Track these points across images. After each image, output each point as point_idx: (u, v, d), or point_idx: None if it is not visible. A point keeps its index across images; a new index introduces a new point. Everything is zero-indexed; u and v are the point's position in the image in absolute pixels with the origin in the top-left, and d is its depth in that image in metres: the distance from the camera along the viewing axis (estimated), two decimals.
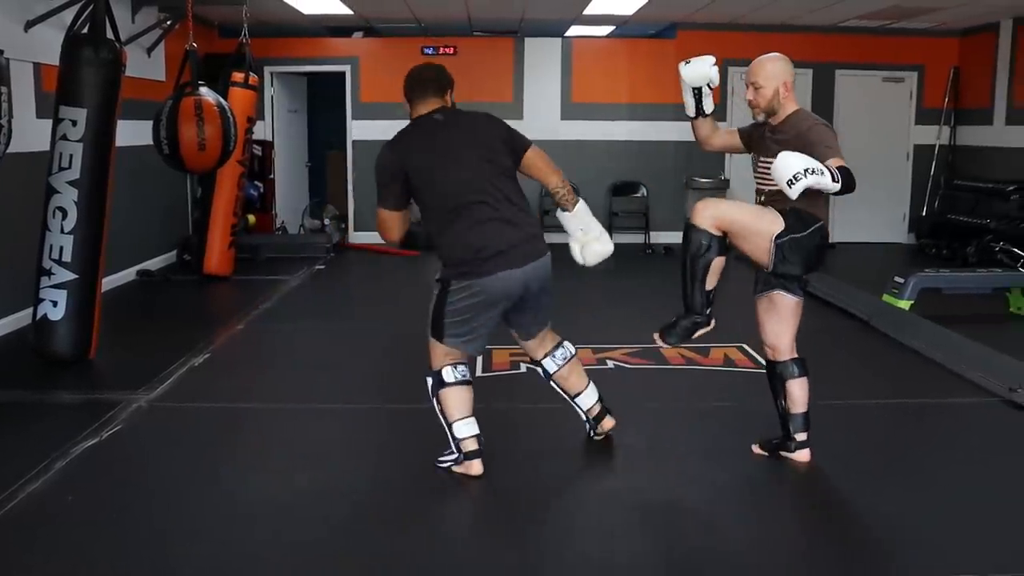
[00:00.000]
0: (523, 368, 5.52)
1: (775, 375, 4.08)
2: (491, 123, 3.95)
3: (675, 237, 10.93)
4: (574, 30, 10.93)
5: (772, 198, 3.81)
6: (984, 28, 10.50)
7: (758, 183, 3.93)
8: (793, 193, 3.34)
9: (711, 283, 3.84)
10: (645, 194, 11.21)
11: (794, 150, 3.56)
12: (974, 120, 10.82)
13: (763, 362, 5.57)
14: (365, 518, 3.54)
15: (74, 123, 5.30)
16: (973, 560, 3.23)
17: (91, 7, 5.39)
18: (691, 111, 4.07)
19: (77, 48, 5.30)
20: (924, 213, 11.16)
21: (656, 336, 3.94)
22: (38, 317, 5.45)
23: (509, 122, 4.07)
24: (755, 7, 9.44)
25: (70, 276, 5.38)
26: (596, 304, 8.00)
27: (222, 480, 3.93)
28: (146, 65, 8.46)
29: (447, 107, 3.91)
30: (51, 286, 5.39)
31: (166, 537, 3.40)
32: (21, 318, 6.10)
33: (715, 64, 3.88)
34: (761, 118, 3.86)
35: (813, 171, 3.31)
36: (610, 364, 5.68)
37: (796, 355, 4.04)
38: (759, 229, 3.74)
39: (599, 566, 3.20)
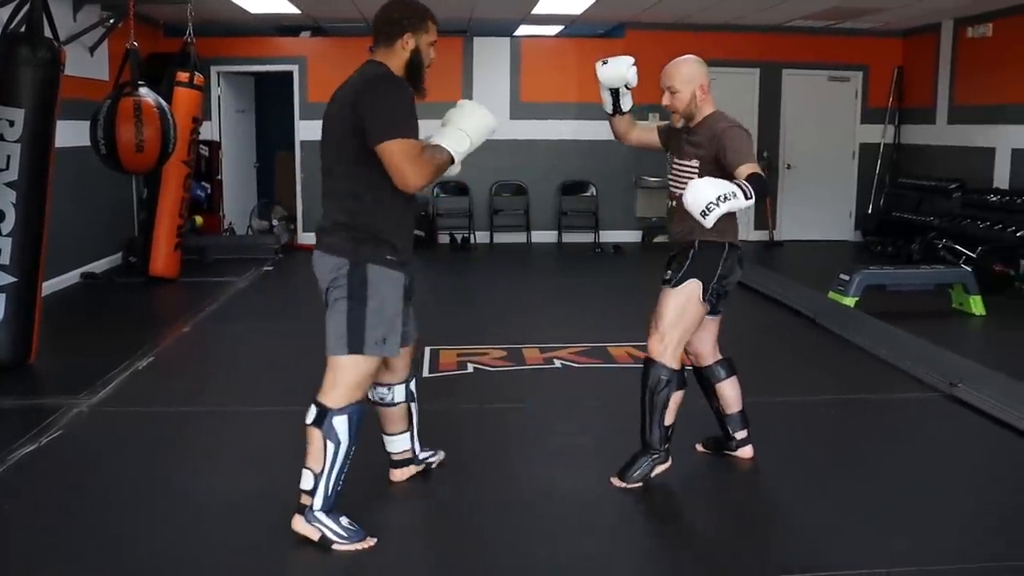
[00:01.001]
0: (470, 368, 5.52)
1: (703, 379, 4.10)
2: (355, 92, 3.21)
3: (624, 236, 11.12)
4: (523, 29, 10.95)
5: (682, 205, 3.69)
6: (926, 29, 10.66)
7: (671, 186, 3.83)
8: (708, 223, 3.29)
9: (670, 418, 3.77)
10: (595, 193, 11.24)
11: (707, 152, 3.62)
12: (917, 119, 11.00)
13: None
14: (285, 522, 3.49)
15: (11, 123, 5.19)
16: (912, 551, 3.27)
17: (27, 5, 5.29)
18: (608, 108, 4.00)
19: (14, 47, 5.19)
20: (870, 211, 11.30)
21: (615, 480, 3.78)
22: None
23: None
24: (702, 7, 9.51)
25: (9, 279, 5.27)
26: (545, 303, 8.03)
27: (167, 483, 3.86)
28: (89, 64, 8.33)
29: (372, 59, 3.35)
30: None
31: (109, 541, 3.34)
32: None
33: (633, 65, 3.79)
34: (680, 123, 3.79)
35: (725, 197, 3.24)
36: (557, 363, 5.68)
37: (720, 357, 4.06)
38: (695, 314, 3.74)
39: (544, 567, 3.20)
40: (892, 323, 6.29)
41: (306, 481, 3.23)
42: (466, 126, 3.29)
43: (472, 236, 11.05)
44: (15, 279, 5.29)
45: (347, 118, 3.18)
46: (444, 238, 11.07)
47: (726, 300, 3.92)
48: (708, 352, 4.03)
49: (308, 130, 10.71)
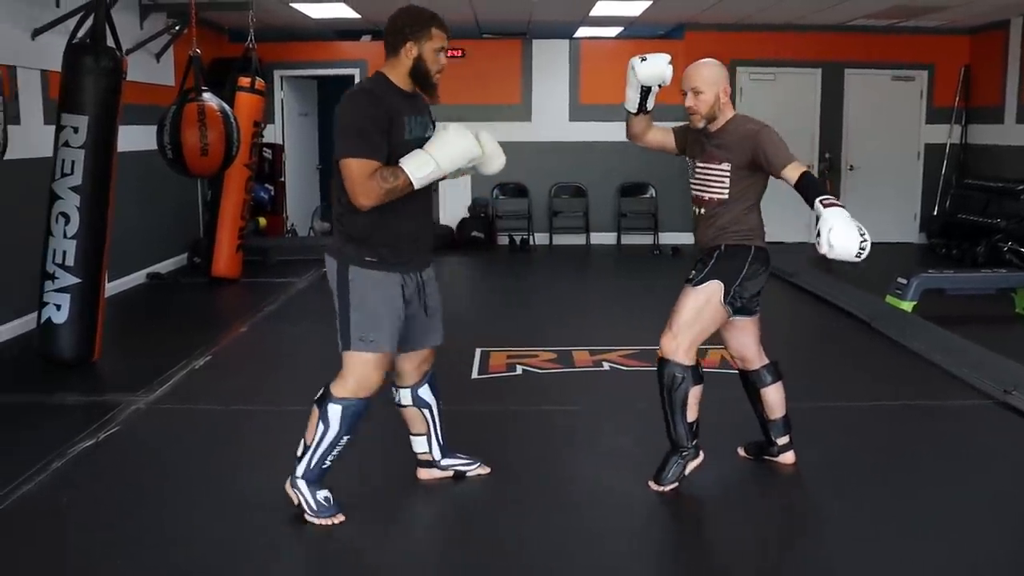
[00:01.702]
0: (519, 370, 5.57)
1: (748, 384, 4.08)
2: (339, 107, 3.39)
3: (684, 238, 11.03)
4: (582, 31, 10.96)
5: (711, 211, 3.75)
6: (994, 26, 10.44)
7: (694, 191, 3.82)
8: (862, 259, 3.21)
9: (692, 414, 3.77)
10: (654, 195, 11.21)
11: (739, 155, 3.60)
12: (985, 118, 10.77)
13: None
14: (358, 519, 3.56)
15: (75, 130, 5.37)
16: (962, 560, 3.25)
17: (92, 16, 5.46)
18: (633, 107, 3.90)
19: (78, 56, 5.38)
20: (935, 213, 11.11)
21: (651, 484, 3.80)
22: (42, 321, 5.53)
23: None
24: (762, 7, 9.43)
25: (73, 280, 5.45)
26: (600, 305, 8.05)
27: (219, 480, 3.97)
28: (155, 70, 8.56)
29: (379, 70, 3.49)
30: (54, 290, 5.47)
31: (159, 536, 3.45)
32: (27, 322, 6.18)
33: (671, 63, 3.73)
34: (701, 125, 3.72)
35: (861, 230, 3.18)
36: (606, 366, 5.71)
37: (766, 361, 4.03)
38: (713, 316, 3.73)
39: (584, 569, 3.23)
40: (950, 328, 6.19)
41: (299, 449, 3.50)
42: (436, 152, 3.31)
43: (531, 238, 11.11)
44: (79, 280, 5.47)
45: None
46: (504, 239, 11.13)
47: (758, 299, 3.89)
48: (753, 356, 4.01)
49: None
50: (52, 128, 5.64)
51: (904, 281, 7.03)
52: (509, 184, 10.97)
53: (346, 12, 9.35)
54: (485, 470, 3.97)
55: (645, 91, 3.83)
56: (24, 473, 3.92)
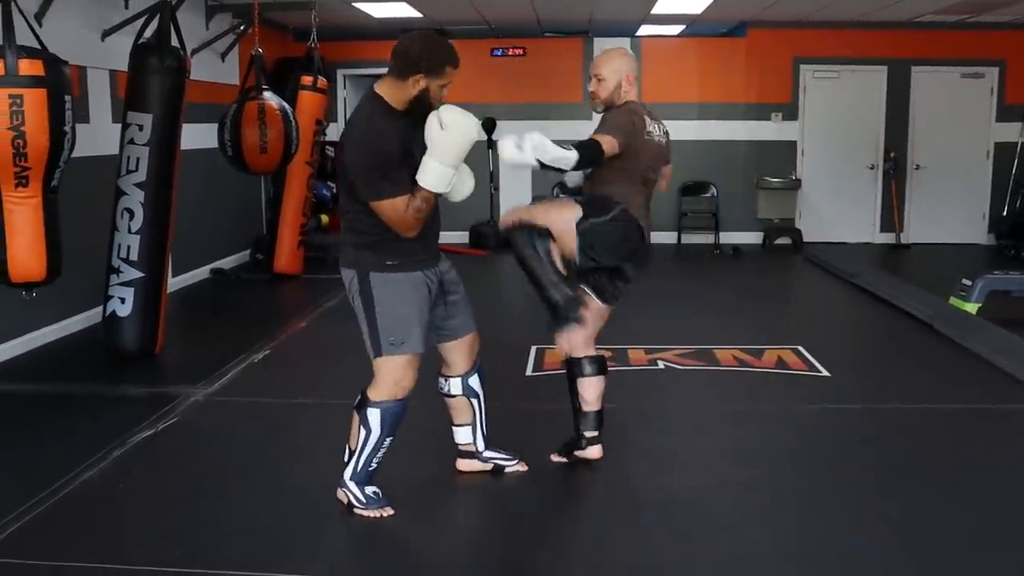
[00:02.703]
0: None
1: (569, 371, 4.07)
2: (346, 134, 3.52)
3: (744, 238, 10.96)
4: (644, 29, 10.92)
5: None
6: None
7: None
8: (525, 159, 3.35)
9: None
10: (715, 194, 11.12)
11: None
12: None
13: (819, 366, 5.58)
14: (408, 514, 3.60)
15: (140, 128, 5.50)
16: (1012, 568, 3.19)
17: (158, 17, 5.59)
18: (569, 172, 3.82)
19: (143, 56, 5.51)
20: (1004, 213, 10.86)
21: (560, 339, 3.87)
22: (107, 314, 5.67)
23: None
24: (825, 4, 9.30)
25: (137, 274, 5.59)
26: (658, 303, 7.98)
27: (274, 472, 4.05)
28: (220, 69, 8.72)
29: (375, 88, 3.47)
30: (119, 284, 5.61)
31: (214, 526, 3.55)
32: (93, 315, 6.34)
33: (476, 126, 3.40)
34: (599, 109, 3.88)
35: (522, 146, 3.34)
36: (661, 364, 5.68)
37: (591, 353, 4.00)
38: (558, 220, 3.68)
39: (624, 565, 3.23)
40: (1015, 331, 6.06)
41: (345, 454, 3.57)
42: (442, 156, 3.27)
43: None
44: (143, 274, 5.60)
45: (343, 151, 3.43)
46: None
47: (608, 285, 3.99)
48: (579, 344, 3.94)
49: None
50: (119, 126, 5.79)
51: (969, 282, 6.89)
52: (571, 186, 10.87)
53: (408, 12, 9.43)
54: (523, 467, 3.99)
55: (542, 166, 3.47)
56: (86, 460, 4.05)
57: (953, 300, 6.94)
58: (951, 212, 11.07)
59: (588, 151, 3.52)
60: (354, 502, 3.55)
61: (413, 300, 3.46)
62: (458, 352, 3.76)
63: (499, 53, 11.10)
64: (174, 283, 7.01)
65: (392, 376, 3.46)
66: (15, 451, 4.31)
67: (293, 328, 6.77)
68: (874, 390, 5.25)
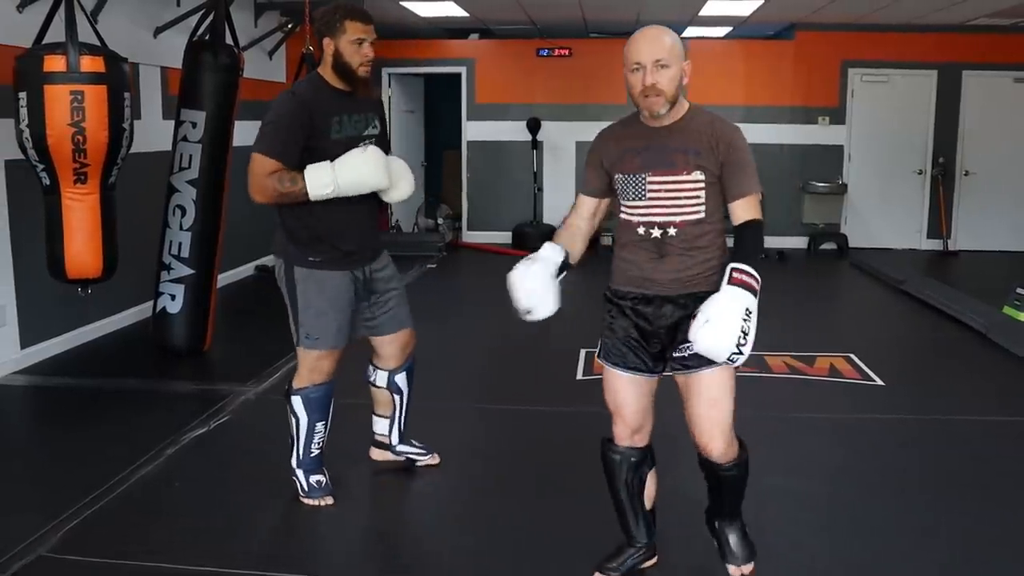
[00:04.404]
0: None
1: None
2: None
3: (790, 242, 10.86)
4: (691, 31, 10.84)
5: (681, 239, 2.83)
6: None
7: (649, 214, 2.85)
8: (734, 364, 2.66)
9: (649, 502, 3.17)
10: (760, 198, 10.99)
11: (708, 162, 2.78)
12: None
13: (872, 375, 5.50)
14: (447, 517, 3.59)
15: (194, 125, 5.53)
16: None
17: (212, 15, 5.60)
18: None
19: (198, 54, 5.53)
20: None
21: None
22: (157, 310, 5.70)
23: None
24: (878, 6, 9.17)
25: (187, 271, 5.61)
26: None
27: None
28: (268, 67, 8.75)
29: (315, 70, 3.59)
30: (170, 280, 5.64)
31: (266, 524, 3.56)
32: (144, 310, 6.38)
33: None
34: (663, 111, 2.78)
35: (744, 340, 2.61)
36: None
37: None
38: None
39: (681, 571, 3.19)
40: None
41: (290, 442, 3.69)
42: (340, 172, 3.31)
43: None
44: (193, 271, 5.63)
45: None
46: (606, 240, 11.04)
47: None
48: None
49: (475, 130, 10.93)
50: (170, 123, 5.82)
51: (1023, 291, 6.78)
52: None
53: (455, 11, 9.41)
54: (435, 460, 4.02)
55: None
56: (141, 457, 4.08)
57: (1007, 309, 6.82)
58: (1000, 219, 10.88)
59: (760, 248, 2.87)
60: (299, 490, 3.66)
61: (332, 298, 3.49)
62: (387, 348, 3.78)
63: (545, 53, 11.06)
64: (220, 280, 7.01)
65: (307, 365, 3.57)
66: (70, 445, 4.35)
67: None
68: (929, 401, 5.16)
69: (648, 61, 2.75)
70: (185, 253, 5.61)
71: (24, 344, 5.56)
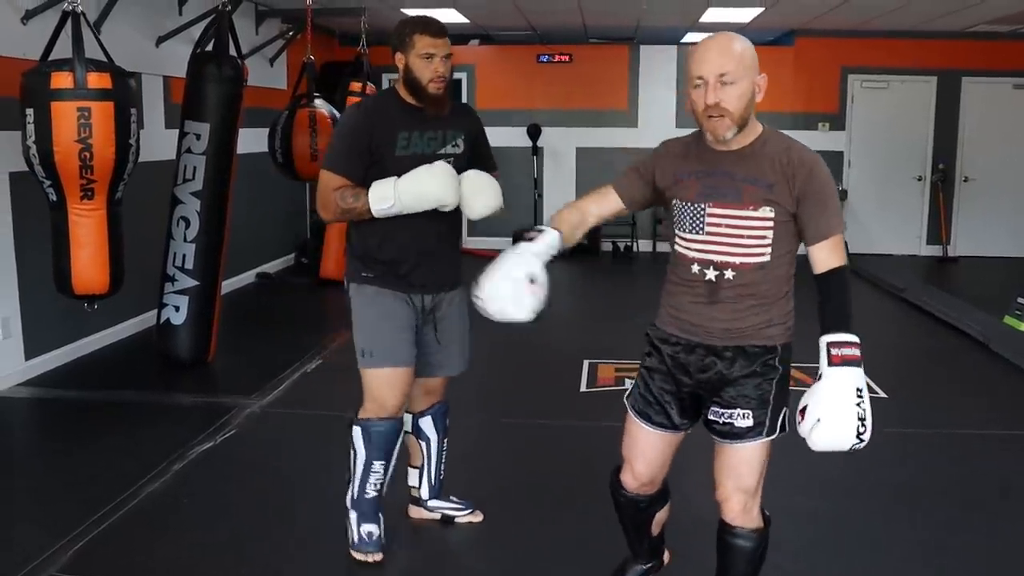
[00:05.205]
0: (628, 384, 5.52)
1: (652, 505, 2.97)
2: None
3: None
4: (690, 37, 10.86)
5: (740, 282, 2.53)
6: None
7: (700, 251, 2.54)
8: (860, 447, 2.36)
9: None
10: None
11: (781, 196, 2.43)
12: None
13: (876, 387, 5.51)
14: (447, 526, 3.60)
15: (198, 137, 5.53)
16: None
17: (215, 26, 5.61)
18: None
19: (202, 65, 5.53)
20: None
21: None
22: (161, 321, 5.71)
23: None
24: (879, 13, 9.20)
25: (192, 283, 5.62)
26: None
27: (329, 487, 4.03)
28: (268, 74, 8.75)
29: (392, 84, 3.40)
30: (174, 292, 5.64)
31: (275, 540, 3.55)
32: (146, 319, 6.38)
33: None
34: (729, 135, 2.42)
35: (864, 426, 2.32)
36: None
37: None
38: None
39: None
40: None
41: (346, 477, 3.41)
42: (402, 188, 3.09)
43: (635, 245, 11.04)
44: (198, 283, 5.63)
45: None
46: (607, 246, 11.07)
47: None
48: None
49: None
50: (172, 132, 5.83)
51: None
52: None
53: (456, 17, 9.41)
54: (478, 517, 3.72)
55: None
56: (148, 473, 4.08)
57: (1008, 319, 6.84)
58: (1000, 225, 10.92)
59: (848, 295, 2.51)
60: (349, 538, 3.39)
61: (386, 315, 3.24)
62: (416, 389, 3.48)
63: (545, 59, 11.09)
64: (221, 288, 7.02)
65: (370, 392, 3.28)
66: (77, 459, 4.34)
67: (343, 337, 6.75)
68: (933, 414, 5.17)
69: (711, 76, 2.37)
70: (189, 265, 5.61)
71: (28, 356, 5.56)
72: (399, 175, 3.10)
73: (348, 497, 3.39)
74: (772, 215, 2.44)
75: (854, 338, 2.36)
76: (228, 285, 8.08)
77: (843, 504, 3.94)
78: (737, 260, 2.49)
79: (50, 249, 4.63)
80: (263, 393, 5.27)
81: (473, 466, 4.06)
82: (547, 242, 2.55)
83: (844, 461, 4.28)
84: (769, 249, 2.48)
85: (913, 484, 4.15)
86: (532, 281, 2.47)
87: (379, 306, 3.24)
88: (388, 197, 3.09)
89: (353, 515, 3.38)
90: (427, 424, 3.57)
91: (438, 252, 3.33)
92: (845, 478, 4.19)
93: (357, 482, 3.35)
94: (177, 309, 5.64)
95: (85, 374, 5.72)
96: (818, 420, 2.32)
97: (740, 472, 2.59)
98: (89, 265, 4.51)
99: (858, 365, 2.34)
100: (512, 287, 2.46)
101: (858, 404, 2.30)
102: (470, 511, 3.72)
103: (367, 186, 3.11)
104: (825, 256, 2.43)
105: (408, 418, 3.53)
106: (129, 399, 5.21)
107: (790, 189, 2.41)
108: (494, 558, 3.51)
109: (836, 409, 2.30)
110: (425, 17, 3.18)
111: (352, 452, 3.33)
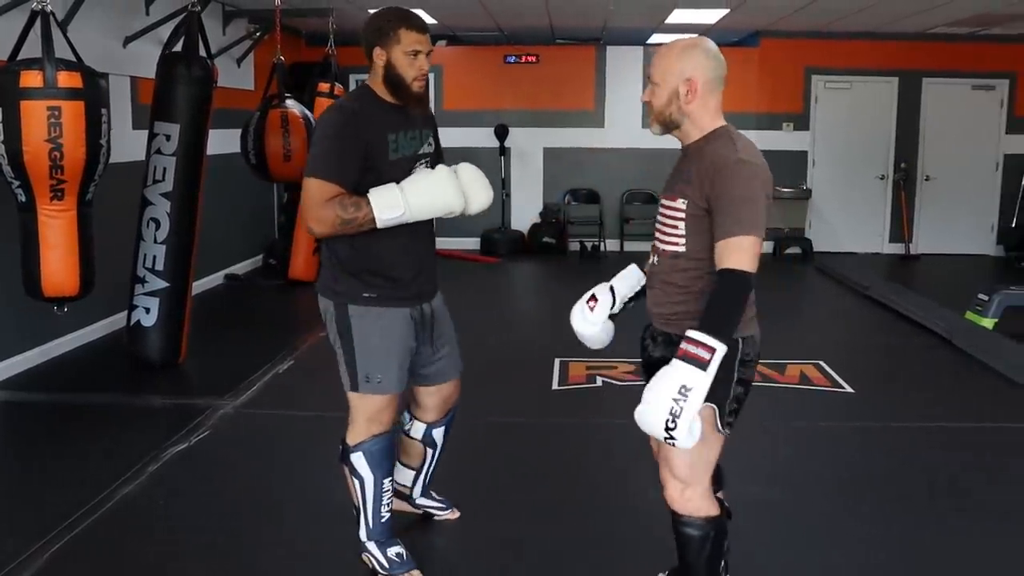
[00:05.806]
0: (599, 382, 5.58)
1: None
2: (316, 121, 3.34)
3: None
4: (656, 38, 10.94)
5: (664, 267, 2.68)
6: None
7: (655, 235, 2.73)
8: (682, 443, 2.36)
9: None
10: None
11: (697, 192, 2.51)
12: None
13: (842, 382, 5.59)
14: (422, 528, 3.63)
15: (168, 138, 5.51)
16: None
17: (185, 26, 5.59)
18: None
19: (172, 66, 5.51)
20: (1013, 224, 10.89)
21: None
22: (132, 323, 5.67)
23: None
24: (842, 15, 9.32)
25: (162, 284, 5.59)
26: None
27: (306, 486, 4.06)
28: (236, 75, 8.71)
29: (363, 83, 3.17)
30: (144, 293, 5.61)
31: (250, 541, 3.56)
32: (116, 321, 6.34)
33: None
34: (656, 131, 2.66)
35: (674, 423, 2.31)
36: None
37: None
38: (715, 446, 2.69)
39: None
40: None
41: (355, 512, 3.28)
42: (412, 196, 2.92)
43: (603, 244, 11.09)
44: (168, 284, 5.60)
45: None
46: (575, 245, 11.11)
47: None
48: None
49: (443, 136, 10.58)
50: (140, 133, 5.79)
51: (985, 297, 6.91)
52: (581, 190, 10.99)
53: (424, 17, 9.41)
54: (455, 515, 3.72)
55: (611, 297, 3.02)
56: (123, 475, 4.06)
57: (969, 315, 6.96)
58: (960, 223, 11.11)
59: (735, 306, 2.44)
60: (377, 568, 3.25)
61: (394, 337, 3.10)
62: (430, 399, 3.42)
63: (512, 60, 11.12)
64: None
65: (366, 414, 3.14)
66: (50, 463, 4.32)
67: (313, 337, 6.75)
68: (898, 409, 5.26)
69: (650, 77, 2.59)
70: (160, 266, 5.58)
71: None
72: (393, 180, 2.95)
73: (362, 531, 3.25)
74: (683, 207, 2.55)
75: (712, 342, 2.33)
76: (197, 287, 8.01)
77: (815, 497, 3.99)
78: (661, 247, 2.67)
79: (18, 251, 4.60)
80: (236, 394, 5.25)
81: (448, 465, 4.06)
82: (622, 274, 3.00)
83: (816, 455, 4.41)
84: (683, 239, 2.58)
85: (884, 477, 4.21)
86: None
87: (385, 329, 3.08)
88: (397, 205, 2.89)
89: (373, 546, 3.26)
90: (439, 433, 3.52)
91: (428, 257, 3.25)
92: (818, 472, 4.26)
93: (370, 510, 3.21)
94: (148, 311, 5.61)
95: (55, 377, 5.67)
96: (643, 401, 2.38)
97: (669, 458, 2.68)
98: (59, 267, 4.48)
99: (701, 367, 2.33)
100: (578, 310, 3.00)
101: (675, 400, 2.32)
102: (448, 510, 3.74)
103: (358, 194, 2.90)
104: (719, 256, 2.44)
105: (421, 427, 3.48)
106: (100, 402, 5.17)
107: (702, 188, 2.50)
108: (469, 555, 3.53)
109: (652, 397, 2.35)
110: (405, 10, 3.04)
111: (356, 481, 3.19)
